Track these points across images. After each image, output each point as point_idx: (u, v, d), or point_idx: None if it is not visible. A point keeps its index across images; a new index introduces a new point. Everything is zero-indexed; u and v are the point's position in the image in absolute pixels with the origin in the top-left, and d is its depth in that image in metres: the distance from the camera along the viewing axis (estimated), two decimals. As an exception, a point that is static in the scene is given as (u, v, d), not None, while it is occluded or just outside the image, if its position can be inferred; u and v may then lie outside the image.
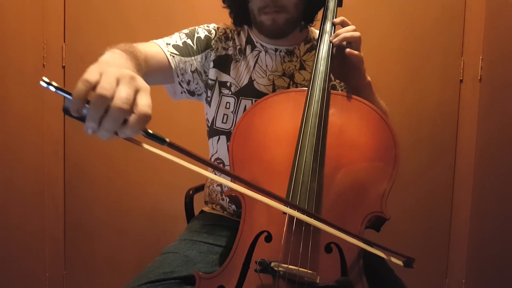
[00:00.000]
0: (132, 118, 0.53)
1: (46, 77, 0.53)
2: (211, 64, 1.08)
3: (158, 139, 0.56)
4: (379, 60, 1.80)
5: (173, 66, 1.01)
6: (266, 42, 1.10)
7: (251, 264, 0.78)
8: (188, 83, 1.07)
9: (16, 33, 1.73)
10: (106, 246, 1.89)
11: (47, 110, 1.82)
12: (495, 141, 1.69)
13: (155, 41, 1.02)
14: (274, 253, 0.77)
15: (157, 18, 1.80)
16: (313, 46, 1.13)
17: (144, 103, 0.54)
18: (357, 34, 0.93)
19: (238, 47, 1.11)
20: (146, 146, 0.60)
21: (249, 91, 1.08)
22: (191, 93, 1.10)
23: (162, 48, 1.00)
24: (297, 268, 0.74)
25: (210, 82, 1.09)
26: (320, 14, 1.07)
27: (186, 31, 1.09)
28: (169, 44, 1.03)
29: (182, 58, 1.03)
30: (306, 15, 1.08)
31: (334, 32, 0.98)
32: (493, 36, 1.73)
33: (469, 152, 1.83)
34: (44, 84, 0.52)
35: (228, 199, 1.11)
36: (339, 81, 1.13)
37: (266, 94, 1.02)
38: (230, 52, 1.10)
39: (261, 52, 1.11)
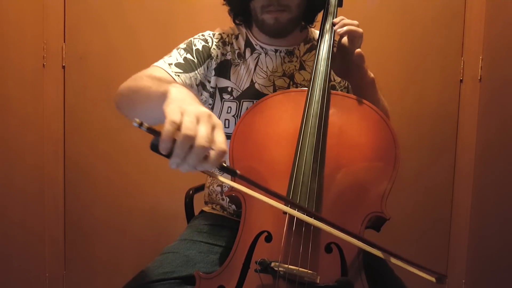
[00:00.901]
0: (212, 154, 0.59)
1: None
2: (213, 73, 1.07)
3: (230, 172, 0.62)
4: (379, 60, 1.79)
5: None
6: (266, 43, 1.10)
7: (251, 264, 0.78)
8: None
9: (16, 33, 1.73)
10: (106, 246, 1.88)
11: (47, 110, 1.81)
12: (495, 141, 1.69)
13: (156, 64, 1.00)
14: (274, 253, 0.77)
15: (157, 18, 1.80)
16: (313, 46, 1.13)
17: (221, 140, 0.60)
18: (360, 30, 0.95)
19: (237, 51, 1.10)
20: (221, 178, 0.67)
21: (251, 93, 1.08)
22: None
23: (166, 70, 0.98)
24: (297, 268, 0.74)
25: (211, 90, 1.09)
26: (319, 16, 1.08)
27: (183, 45, 1.06)
28: (171, 64, 1.00)
29: (187, 74, 1.01)
30: (307, 15, 1.08)
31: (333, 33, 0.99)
32: (493, 36, 1.73)
33: (469, 152, 1.82)
34: (136, 125, 0.57)
35: (228, 199, 1.10)
36: (339, 81, 1.13)
37: (267, 95, 1.02)
38: (228, 57, 1.09)
39: (261, 54, 1.10)
